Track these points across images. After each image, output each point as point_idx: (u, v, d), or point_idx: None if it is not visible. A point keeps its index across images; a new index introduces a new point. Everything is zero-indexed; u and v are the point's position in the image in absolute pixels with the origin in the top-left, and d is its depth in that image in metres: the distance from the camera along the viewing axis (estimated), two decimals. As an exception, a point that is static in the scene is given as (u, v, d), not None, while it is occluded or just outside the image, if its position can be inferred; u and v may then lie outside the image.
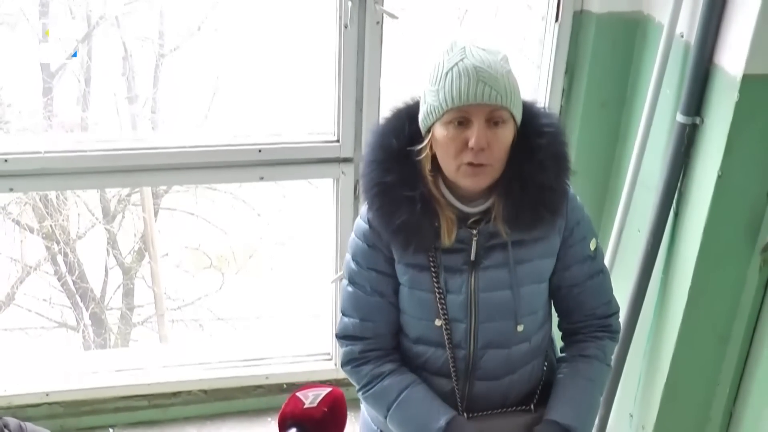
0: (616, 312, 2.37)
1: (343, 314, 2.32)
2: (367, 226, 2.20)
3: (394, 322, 2.29)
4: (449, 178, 2.09)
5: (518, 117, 2.05)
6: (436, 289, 2.17)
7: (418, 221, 2.08)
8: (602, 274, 2.32)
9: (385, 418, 2.28)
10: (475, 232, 2.14)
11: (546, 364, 2.38)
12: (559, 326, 2.41)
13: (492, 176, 2.06)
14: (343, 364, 2.35)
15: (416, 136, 2.10)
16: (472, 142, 1.98)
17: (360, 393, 2.33)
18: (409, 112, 2.13)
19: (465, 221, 2.14)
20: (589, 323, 2.34)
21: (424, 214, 2.08)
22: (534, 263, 2.20)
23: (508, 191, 2.09)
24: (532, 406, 2.31)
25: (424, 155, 2.08)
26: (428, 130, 2.07)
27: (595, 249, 2.28)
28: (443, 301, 2.18)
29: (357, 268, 2.25)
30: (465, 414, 2.28)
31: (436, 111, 2.02)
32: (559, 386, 2.29)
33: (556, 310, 2.39)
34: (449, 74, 1.99)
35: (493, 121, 2.00)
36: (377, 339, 2.29)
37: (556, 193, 2.12)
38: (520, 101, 2.05)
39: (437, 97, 2.01)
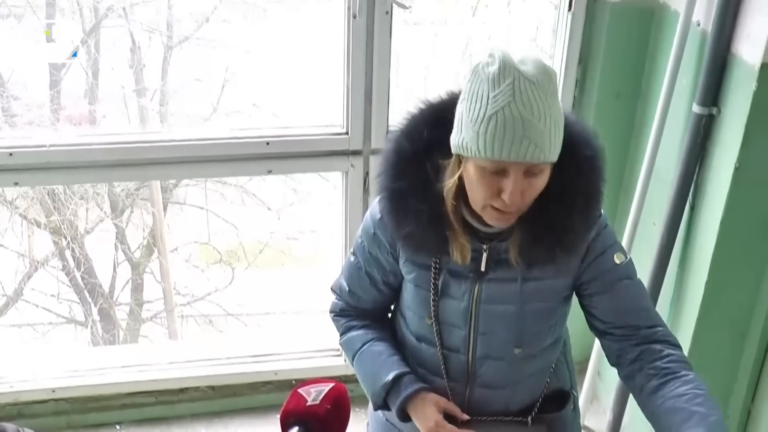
0: (661, 325, 2.16)
1: (342, 274, 2.37)
2: (378, 217, 2.16)
3: (378, 301, 2.34)
4: (473, 208, 1.99)
5: (556, 160, 1.90)
6: (432, 288, 2.13)
7: (424, 233, 2.02)
8: (630, 280, 2.15)
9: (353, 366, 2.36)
10: (485, 247, 2.06)
11: (549, 379, 2.30)
12: (609, 356, 2.23)
13: (517, 216, 1.96)
14: (329, 311, 2.44)
15: (434, 143, 1.99)
16: (505, 196, 1.86)
17: (339, 340, 2.42)
18: (428, 118, 2.02)
19: (478, 237, 2.07)
20: (633, 334, 2.14)
21: (431, 227, 2.01)
22: (544, 282, 2.11)
23: (528, 223, 1.99)
24: (529, 419, 2.25)
25: (451, 181, 1.96)
26: (459, 159, 1.95)
27: (622, 262, 2.13)
28: (435, 301, 2.15)
29: (360, 243, 2.26)
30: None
31: (473, 153, 1.87)
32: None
33: (596, 335, 2.24)
34: (492, 121, 1.80)
35: (531, 173, 1.87)
36: (358, 308, 2.37)
37: (579, 235, 2.01)
38: (561, 142, 1.89)
39: (476, 141, 1.84)
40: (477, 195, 1.92)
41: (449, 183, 1.96)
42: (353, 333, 2.35)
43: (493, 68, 1.81)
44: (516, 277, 2.08)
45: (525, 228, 1.99)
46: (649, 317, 2.17)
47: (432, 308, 2.16)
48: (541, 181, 1.90)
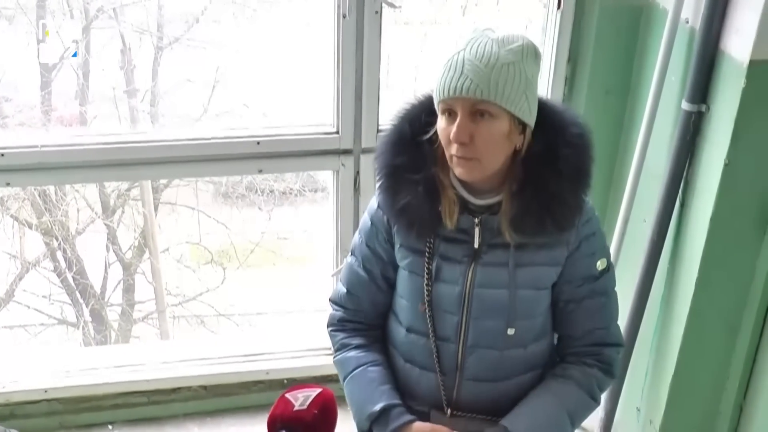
0: (615, 344, 2.30)
1: (340, 281, 2.42)
2: (375, 205, 2.26)
3: (377, 302, 2.36)
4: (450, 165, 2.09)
5: (521, 113, 2.00)
6: (426, 274, 2.17)
7: (420, 204, 2.10)
8: (606, 297, 2.26)
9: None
10: (477, 220, 2.12)
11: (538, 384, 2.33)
12: (556, 352, 2.37)
13: (483, 170, 2.04)
14: (327, 326, 2.45)
15: (431, 126, 2.10)
16: (451, 135, 1.99)
17: (333, 357, 2.42)
18: (426, 107, 2.14)
19: (470, 211, 2.13)
20: (581, 349, 2.29)
21: (426, 197, 2.10)
22: (536, 269, 2.17)
23: (518, 193, 2.07)
24: None
25: (438, 142, 2.08)
26: None
27: (604, 270, 2.23)
28: (429, 287, 2.18)
29: (358, 241, 2.33)
30: (450, 411, 2.27)
31: (435, 100, 2.04)
32: (524, 399, 2.25)
33: (554, 330, 2.34)
34: (446, 65, 1.99)
35: (478, 113, 1.98)
36: (358, 313, 2.38)
37: (568, 206, 2.08)
38: (518, 96, 1.98)
39: (435, 86, 2.03)
40: (444, 145, 2.05)
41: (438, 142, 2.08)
42: (349, 353, 2.35)
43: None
44: (507, 261, 2.13)
45: (516, 199, 2.07)
46: (605, 335, 2.29)
47: (425, 294, 2.19)
48: (490, 126, 1.99)
